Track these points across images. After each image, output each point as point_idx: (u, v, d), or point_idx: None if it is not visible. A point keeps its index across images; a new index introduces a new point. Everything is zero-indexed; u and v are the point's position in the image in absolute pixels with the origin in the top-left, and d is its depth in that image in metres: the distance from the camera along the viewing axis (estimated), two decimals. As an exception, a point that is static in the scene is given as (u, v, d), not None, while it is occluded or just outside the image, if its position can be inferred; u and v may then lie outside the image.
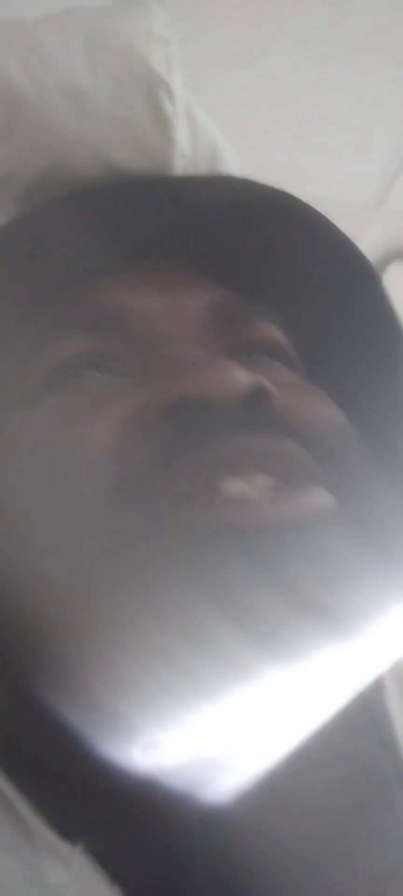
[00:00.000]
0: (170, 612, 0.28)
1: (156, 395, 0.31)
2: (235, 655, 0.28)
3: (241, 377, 0.32)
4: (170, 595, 0.28)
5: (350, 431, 0.37)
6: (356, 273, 0.41)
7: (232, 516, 0.29)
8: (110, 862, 0.29)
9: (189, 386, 0.31)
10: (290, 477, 0.31)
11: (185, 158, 0.40)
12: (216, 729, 0.30)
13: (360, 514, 0.33)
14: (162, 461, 0.30)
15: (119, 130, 0.36)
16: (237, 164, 0.44)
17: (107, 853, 0.30)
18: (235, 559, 0.28)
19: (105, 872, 0.29)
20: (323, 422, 0.36)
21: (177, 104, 0.37)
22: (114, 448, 0.31)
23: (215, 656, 0.28)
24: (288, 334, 0.40)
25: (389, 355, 0.41)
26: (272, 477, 0.31)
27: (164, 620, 0.28)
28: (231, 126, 0.44)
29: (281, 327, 0.40)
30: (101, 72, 0.35)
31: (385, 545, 0.33)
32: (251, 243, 0.39)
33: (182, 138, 0.38)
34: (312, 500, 0.31)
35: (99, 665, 0.29)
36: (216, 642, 0.28)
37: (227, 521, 0.29)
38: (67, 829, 0.30)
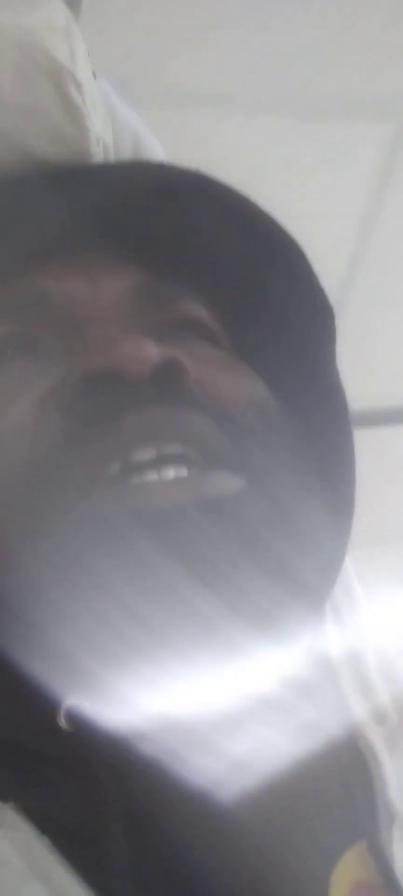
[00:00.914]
0: (83, 591, 0.30)
1: (69, 373, 0.33)
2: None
3: (152, 351, 0.33)
4: (82, 576, 0.30)
5: (272, 405, 0.38)
6: (275, 247, 0.42)
7: (140, 500, 0.31)
8: (38, 816, 0.31)
9: (100, 362, 0.32)
10: (198, 452, 0.33)
11: (103, 146, 0.41)
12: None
13: (271, 488, 0.34)
14: (75, 436, 0.31)
15: (30, 120, 0.37)
16: (160, 152, 0.45)
17: (35, 809, 0.31)
18: (144, 542, 0.30)
19: (35, 826, 0.30)
20: (241, 397, 0.37)
21: (85, 93, 0.38)
22: (29, 427, 0.32)
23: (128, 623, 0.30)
24: (213, 313, 0.41)
25: (311, 328, 0.42)
26: (181, 447, 0.32)
27: (76, 599, 0.30)
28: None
29: (206, 306, 0.41)
30: (7, 64, 0.36)
31: (295, 518, 0.34)
32: (170, 225, 0.40)
33: (95, 126, 0.39)
34: (218, 483, 0.32)
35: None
36: (127, 615, 0.30)
37: (135, 506, 0.30)
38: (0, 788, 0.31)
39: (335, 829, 0.35)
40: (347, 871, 0.34)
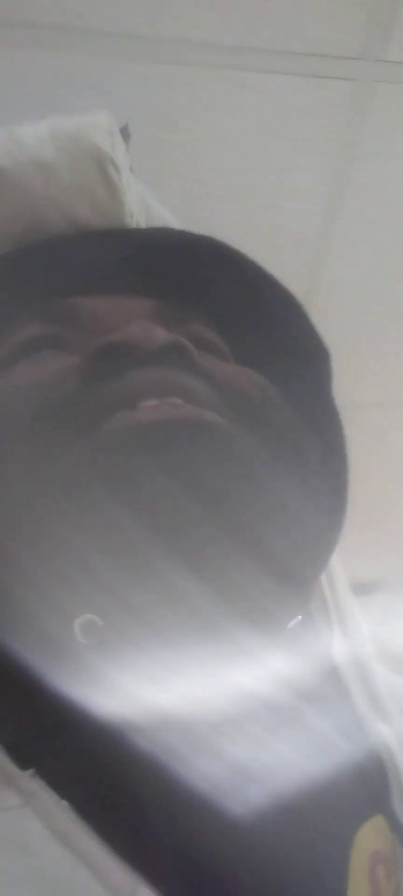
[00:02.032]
0: (87, 517, 0.33)
1: (87, 348, 0.39)
2: (151, 561, 0.33)
3: (160, 332, 0.39)
4: (88, 502, 0.33)
5: (272, 389, 0.43)
6: (276, 299, 0.50)
7: (143, 417, 0.35)
8: (58, 782, 0.33)
9: (114, 336, 0.38)
10: (198, 403, 0.36)
11: (136, 222, 0.51)
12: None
13: (264, 443, 0.37)
14: (86, 389, 0.37)
15: (79, 195, 0.48)
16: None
17: (54, 775, 0.33)
18: (148, 458, 0.33)
19: (54, 791, 0.32)
20: (243, 377, 0.42)
21: (122, 175, 0.49)
22: (48, 383, 0.38)
23: (127, 555, 0.33)
24: (221, 336, 0.48)
25: (308, 364, 0.49)
26: (182, 401, 0.36)
27: (82, 526, 0.33)
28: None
29: (217, 332, 0.48)
30: (63, 151, 0.47)
31: (285, 479, 0.37)
32: (184, 272, 0.48)
33: (129, 201, 0.50)
34: (211, 416, 0.36)
35: (25, 578, 0.34)
36: (130, 544, 0.33)
37: (139, 421, 0.34)
38: (19, 758, 0.33)
39: (353, 805, 0.37)
40: (367, 842, 0.37)
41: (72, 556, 0.34)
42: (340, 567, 0.47)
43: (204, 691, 0.35)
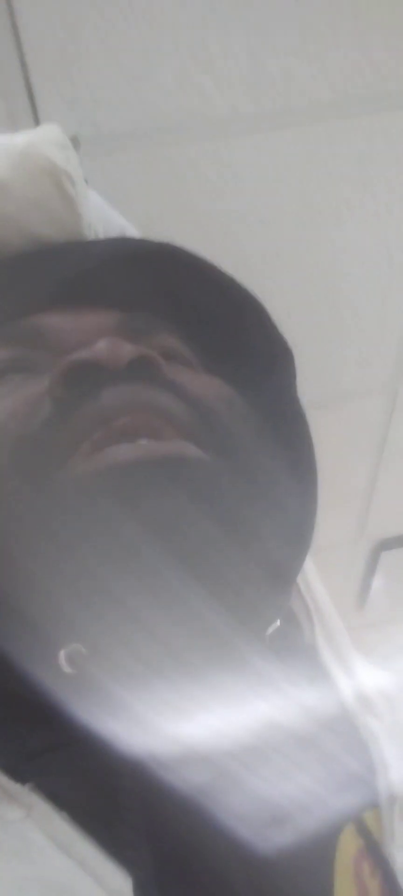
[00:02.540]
0: (68, 553, 0.34)
1: (57, 368, 0.39)
2: (135, 590, 0.34)
3: (128, 347, 0.39)
4: (67, 539, 0.34)
5: (238, 401, 0.44)
6: (236, 299, 0.50)
7: (119, 455, 0.35)
8: (56, 794, 0.34)
9: (81, 355, 0.38)
10: (167, 424, 0.37)
11: (94, 233, 0.51)
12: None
13: (234, 463, 0.38)
14: (59, 415, 0.37)
15: (35, 210, 0.48)
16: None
17: (52, 787, 0.34)
18: (106, 500, 0.34)
19: (53, 803, 0.33)
20: (210, 391, 0.43)
21: (78, 187, 0.49)
22: (23, 412, 0.38)
23: (112, 585, 0.34)
24: (186, 344, 0.48)
25: (272, 362, 0.49)
26: (153, 419, 0.37)
27: (65, 560, 0.34)
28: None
29: (182, 340, 0.48)
30: (16, 168, 0.47)
31: (258, 491, 0.38)
32: (145, 281, 0.48)
33: (87, 213, 0.49)
34: (181, 448, 0.37)
35: (12, 607, 0.35)
36: (112, 576, 0.34)
37: (115, 460, 0.35)
38: (18, 772, 0.34)
39: (338, 806, 0.38)
40: (352, 839, 0.37)
41: (58, 587, 0.34)
42: (315, 571, 0.48)
43: (181, 702, 0.36)
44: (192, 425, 0.39)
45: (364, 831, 0.38)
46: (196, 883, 0.33)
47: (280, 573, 0.40)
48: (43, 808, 0.33)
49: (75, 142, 0.52)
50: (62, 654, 0.35)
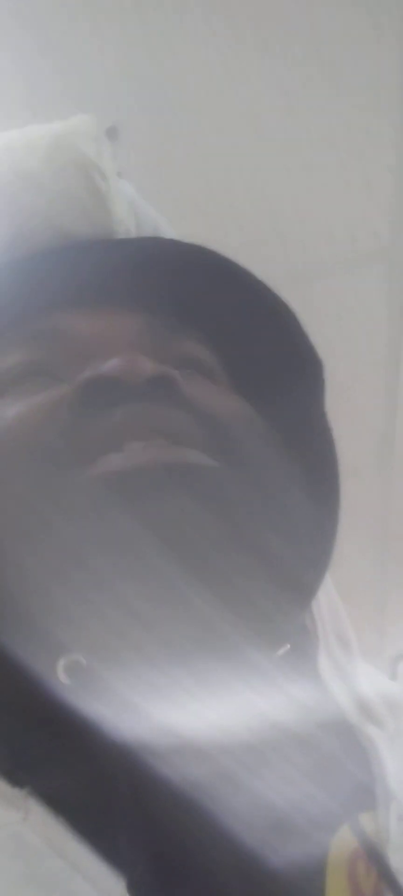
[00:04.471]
0: (78, 543, 0.34)
1: (76, 380, 0.39)
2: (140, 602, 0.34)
3: (147, 365, 0.38)
4: (76, 543, 0.34)
5: (260, 423, 0.43)
6: (267, 307, 0.48)
7: (127, 462, 0.35)
8: (53, 797, 0.34)
9: (101, 370, 0.38)
10: (182, 441, 0.37)
11: (125, 230, 0.50)
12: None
13: (249, 478, 0.38)
14: (74, 427, 0.37)
15: (64, 204, 0.47)
16: (174, 235, 0.54)
17: (49, 791, 0.34)
18: (134, 494, 0.34)
19: (50, 807, 0.34)
20: (230, 412, 0.42)
21: (109, 182, 0.47)
22: (38, 419, 0.38)
23: (116, 596, 0.34)
24: (213, 354, 0.47)
25: (301, 376, 0.48)
26: (167, 440, 0.37)
27: (58, 564, 0.34)
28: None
29: (209, 349, 0.47)
30: (47, 160, 0.46)
31: (272, 508, 0.38)
32: (174, 284, 0.47)
33: (118, 209, 0.48)
34: (191, 456, 0.37)
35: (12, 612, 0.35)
36: (119, 585, 0.34)
37: (124, 467, 0.35)
38: (15, 777, 0.34)
39: (333, 806, 0.38)
40: (347, 839, 0.37)
41: (61, 593, 0.34)
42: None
43: (186, 705, 0.36)
44: (205, 439, 0.38)
45: (359, 832, 0.38)
46: (191, 885, 0.33)
47: (292, 590, 0.40)
48: (39, 812, 0.33)
49: (113, 132, 0.51)
50: (61, 665, 0.35)
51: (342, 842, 0.37)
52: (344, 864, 0.36)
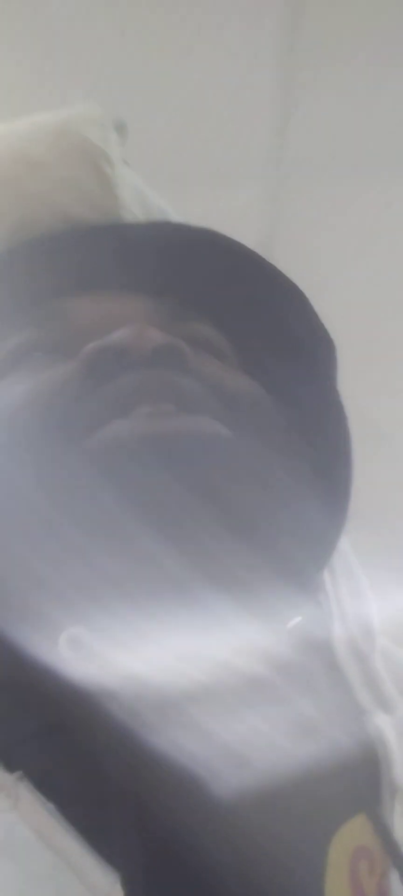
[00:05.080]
0: (87, 512, 0.34)
1: (84, 350, 0.39)
2: (152, 555, 0.33)
3: (155, 334, 0.38)
4: (88, 500, 0.34)
5: (268, 400, 0.43)
6: (277, 288, 0.48)
7: (136, 428, 0.35)
8: (45, 782, 0.33)
9: (109, 339, 0.38)
10: (193, 409, 0.37)
11: (132, 216, 0.50)
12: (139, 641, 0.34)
13: (259, 450, 0.37)
14: (82, 396, 0.37)
15: (69, 190, 0.46)
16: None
17: (41, 775, 0.33)
18: (145, 462, 0.34)
19: (41, 793, 0.33)
20: (237, 385, 0.42)
21: (115, 168, 0.47)
22: (43, 393, 0.38)
23: (130, 553, 0.34)
24: (222, 334, 0.47)
25: (312, 353, 0.47)
26: (176, 406, 0.37)
27: (83, 520, 0.34)
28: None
29: (218, 331, 0.47)
30: (52, 146, 0.46)
31: (279, 486, 0.37)
32: (183, 268, 0.47)
33: (124, 195, 0.48)
34: (204, 425, 0.36)
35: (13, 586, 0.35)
36: (128, 538, 0.33)
37: (133, 432, 0.35)
38: (7, 758, 0.34)
39: (336, 800, 0.36)
40: (348, 838, 0.36)
41: (64, 566, 0.34)
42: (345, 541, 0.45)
43: (184, 662, 0.35)
44: (216, 408, 0.38)
45: (375, 819, 0.37)
46: (186, 877, 0.32)
47: (294, 572, 0.39)
48: (30, 800, 0.33)
49: (121, 125, 0.51)
50: (63, 638, 0.34)
51: (342, 841, 0.35)
52: (346, 863, 0.35)
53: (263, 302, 0.48)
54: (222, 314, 0.47)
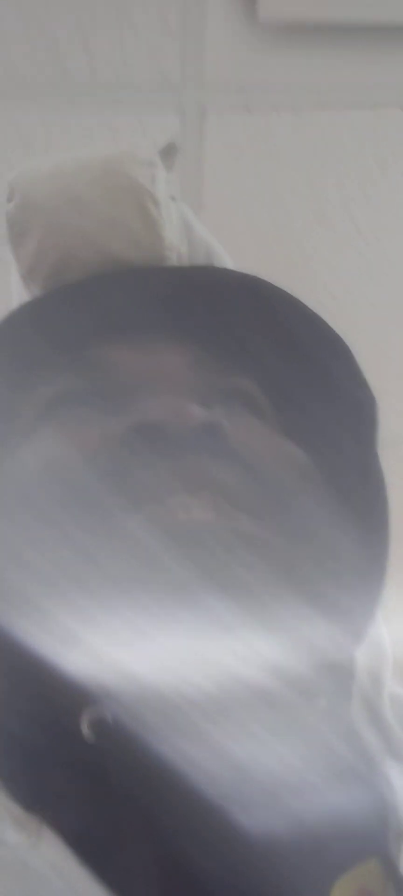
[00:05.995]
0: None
1: (120, 423, 0.38)
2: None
3: (194, 411, 0.38)
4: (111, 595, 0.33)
5: (310, 470, 0.42)
6: (321, 344, 0.47)
7: (171, 518, 0.35)
8: (63, 827, 0.33)
9: (147, 415, 0.37)
10: (228, 501, 0.36)
11: (177, 255, 0.48)
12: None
13: (299, 540, 0.37)
14: (117, 474, 0.36)
15: (114, 229, 0.45)
16: (228, 261, 0.52)
17: (59, 820, 0.34)
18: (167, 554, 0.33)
19: (59, 835, 0.33)
20: (279, 460, 0.41)
21: (161, 209, 0.46)
22: (78, 456, 0.38)
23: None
24: (263, 391, 0.46)
25: (353, 415, 0.46)
26: (213, 498, 0.36)
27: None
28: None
29: (259, 385, 0.46)
30: (97, 185, 0.45)
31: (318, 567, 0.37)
32: (228, 318, 0.45)
33: (169, 235, 0.47)
34: (243, 524, 0.36)
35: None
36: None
37: (170, 523, 0.35)
38: (28, 802, 0.35)
39: (342, 844, 0.36)
40: (355, 880, 0.35)
41: (89, 641, 0.33)
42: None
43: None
44: (253, 497, 0.37)
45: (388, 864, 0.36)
46: None
47: (338, 643, 0.38)
48: (51, 840, 0.33)
49: (172, 148, 0.49)
50: (85, 722, 0.34)
51: (347, 884, 0.35)
52: None
53: (308, 356, 0.46)
54: (263, 366, 0.46)
